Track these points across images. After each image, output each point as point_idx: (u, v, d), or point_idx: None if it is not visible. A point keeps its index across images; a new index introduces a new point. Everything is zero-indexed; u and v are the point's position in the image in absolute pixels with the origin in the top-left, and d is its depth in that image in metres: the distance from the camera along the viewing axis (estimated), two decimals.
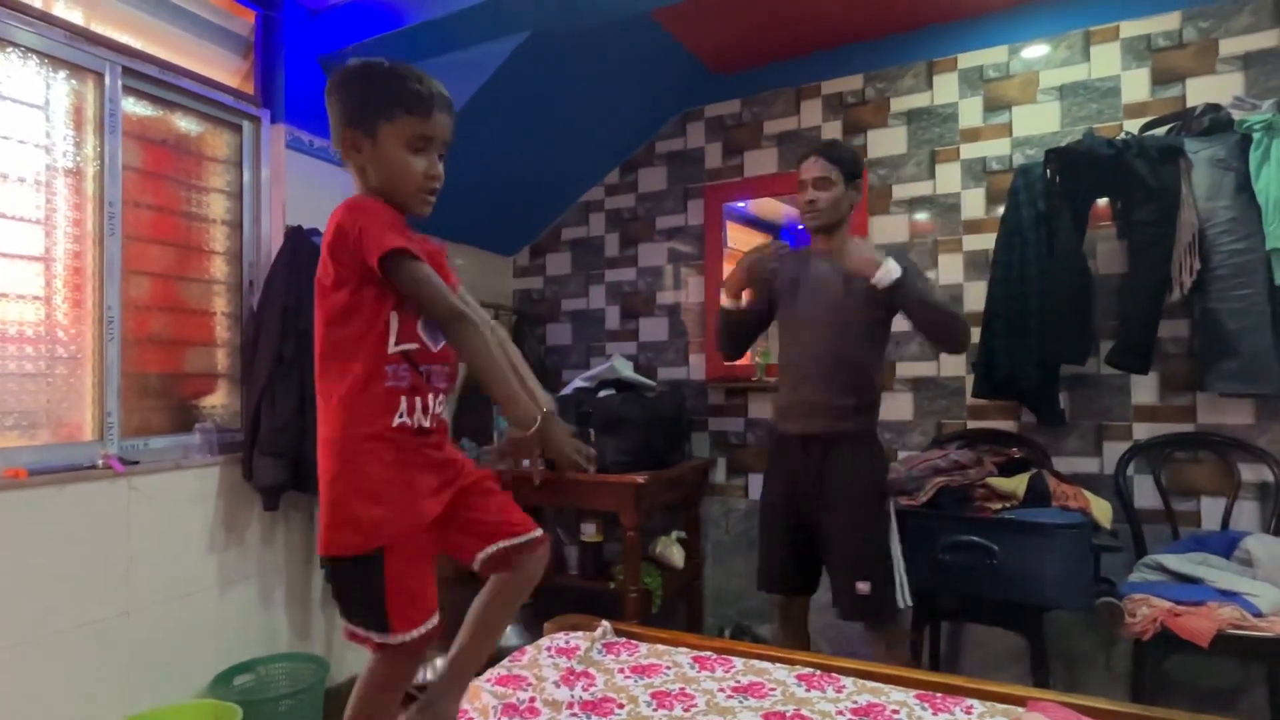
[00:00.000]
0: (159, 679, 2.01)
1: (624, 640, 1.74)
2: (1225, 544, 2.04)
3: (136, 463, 2.00)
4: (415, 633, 1.17)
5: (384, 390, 1.17)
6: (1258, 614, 1.71)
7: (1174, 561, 1.98)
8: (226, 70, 2.39)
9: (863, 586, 1.88)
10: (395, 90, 1.20)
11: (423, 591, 1.21)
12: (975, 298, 2.52)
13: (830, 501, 1.95)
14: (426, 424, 1.23)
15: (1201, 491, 2.26)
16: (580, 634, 1.74)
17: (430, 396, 1.23)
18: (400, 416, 1.18)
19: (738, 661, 1.61)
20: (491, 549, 1.27)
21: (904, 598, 1.91)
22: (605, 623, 1.78)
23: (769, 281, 2.11)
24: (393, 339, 1.17)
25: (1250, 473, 2.18)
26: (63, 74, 1.96)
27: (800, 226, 2.13)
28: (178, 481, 2.08)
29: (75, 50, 1.96)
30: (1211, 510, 2.23)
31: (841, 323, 1.98)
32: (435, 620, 1.21)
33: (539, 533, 1.32)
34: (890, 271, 1.82)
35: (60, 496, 1.80)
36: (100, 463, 1.92)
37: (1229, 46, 2.25)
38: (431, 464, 1.24)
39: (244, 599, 2.25)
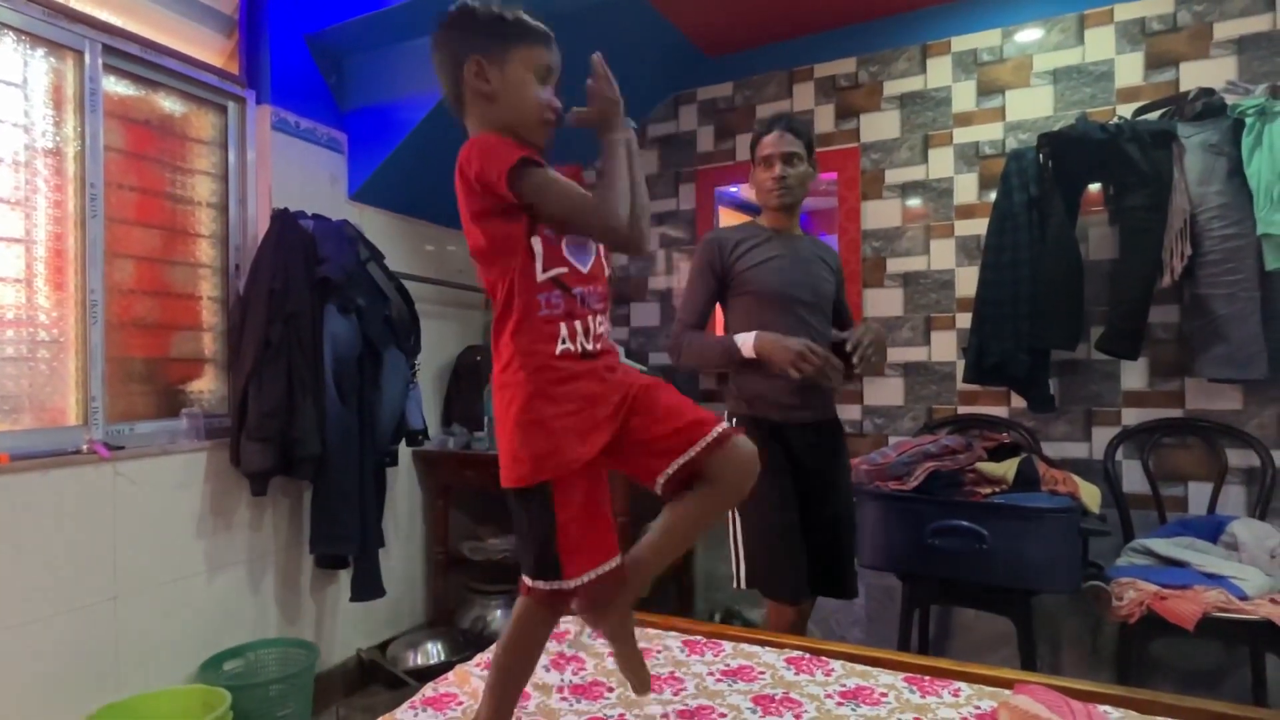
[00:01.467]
0: (147, 664, 2.00)
1: None
2: (1211, 528, 2.05)
3: (122, 448, 1.98)
4: (586, 577, 1.15)
5: (540, 320, 1.16)
6: (1243, 597, 1.73)
7: (1161, 545, 1.99)
8: (211, 49, 2.35)
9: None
10: (521, 21, 1.22)
11: (595, 535, 1.19)
12: (967, 283, 2.52)
13: (842, 488, 2.00)
14: (590, 346, 1.21)
15: (1189, 476, 2.27)
16: (570, 618, 1.74)
17: (590, 319, 1.21)
18: (563, 343, 1.17)
19: (727, 645, 1.61)
20: (672, 467, 1.20)
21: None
22: None
23: (726, 264, 1.97)
24: (539, 265, 1.16)
25: (1237, 457, 2.20)
26: (41, 51, 1.92)
27: (753, 201, 2.04)
28: (164, 467, 2.06)
29: (54, 27, 1.92)
30: (1198, 495, 2.25)
31: (826, 305, 2.00)
32: (613, 564, 1.18)
33: (721, 428, 1.20)
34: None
35: (44, 481, 1.78)
36: (85, 448, 1.90)
37: (1223, 30, 2.24)
38: (602, 388, 1.21)
39: (233, 584, 2.24)
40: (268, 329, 2.15)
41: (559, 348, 1.17)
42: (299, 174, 2.46)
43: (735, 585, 1.95)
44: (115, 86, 2.09)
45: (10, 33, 1.85)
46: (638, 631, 1.69)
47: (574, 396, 1.18)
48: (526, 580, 1.18)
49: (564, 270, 1.19)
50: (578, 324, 1.19)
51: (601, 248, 1.26)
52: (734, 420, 1.97)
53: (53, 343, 1.93)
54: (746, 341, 1.85)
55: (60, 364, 1.95)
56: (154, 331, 2.20)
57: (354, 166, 2.63)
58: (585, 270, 1.22)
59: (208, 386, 2.34)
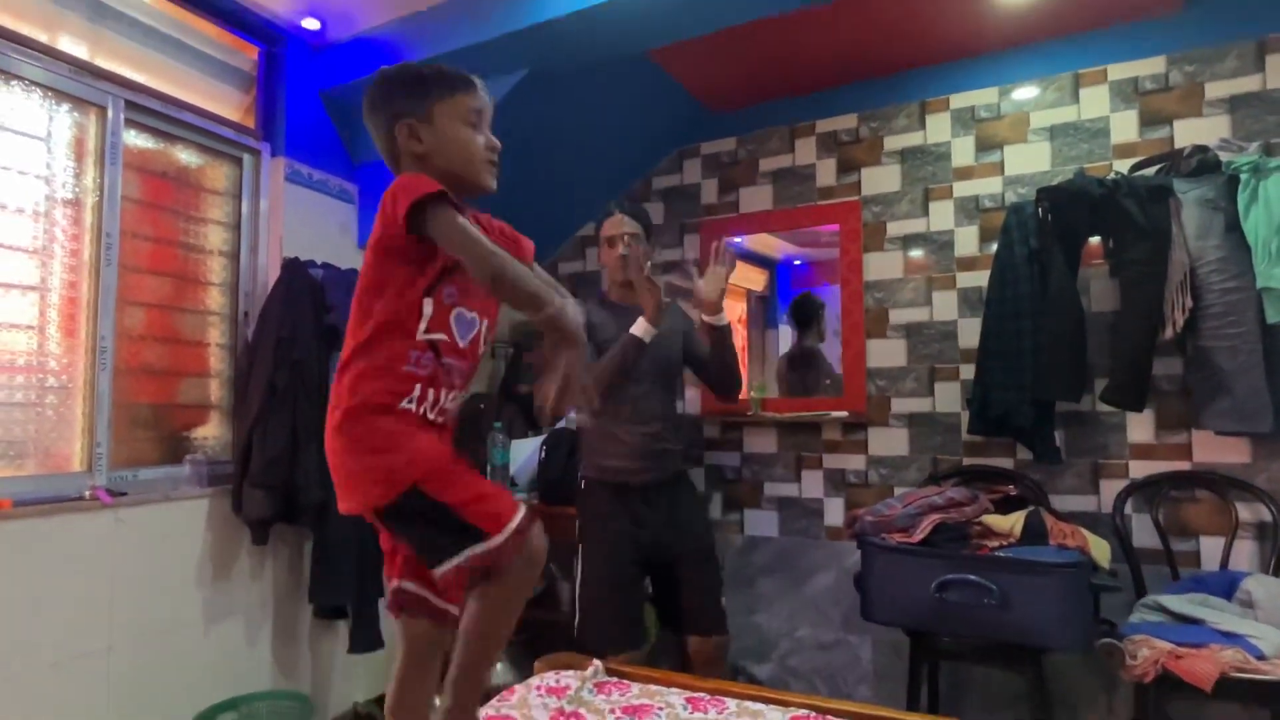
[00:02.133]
0: (141, 715, 1.96)
1: (615, 680, 1.71)
2: (1225, 584, 2.01)
3: (124, 494, 1.98)
4: (512, 524, 1.11)
5: (402, 373, 1.16)
6: (1260, 656, 1.69)
7: (1174, 602, 1.95)
8: (228, 104, 2.42)
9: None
10: (436, 75, 1.24)
11: (490, 492, 1.17)
12: (969, 334, 2.53)
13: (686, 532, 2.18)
14: (433, 417, 1.20)
15: (1200, 530, 2.24)
16: (571, 673, 1.71)
17: (445, 393, 1.21)
18: (409, 401, 1.16)
19: (731, 703, 1.57)
20: (407, 584, 1.22)
21: None
22: (597, 661, 1.75)
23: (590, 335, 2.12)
24: (423, 325, 1.17)
25: (1248, 512, 2.17)
26: (65, 107, 1.99)
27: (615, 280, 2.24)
28: (166, 514, 2.06)
29: (79, 84, 1.99)
30: (1210, 549, 2.21)
31: (673, 374, 2.24)
32: (523, 512, 1.15)
33: (510, 527, 1.14)
34: (723, 315, 2.12)
35: (46, 528, 1.78)
36: (88, 494, 1.90)
37: (1215, 90, 2.29)
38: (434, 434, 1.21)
39: (229, 635, 2.21)
40: (274, 376, 2.17)
41: (403, 404, 1.16)
42: (310, 224, 2.51)
43: (578, 645, 2.07)
44: (135, 139, 2.15)
45: (37, 89, 1.92)
46: (638, 687, 1.66)
47: (411, 425, 1.16)
48: (457, 561, 1.11)
49: (443, 337, 1.18)
50: (431, 391, 1.18)
51: (484, 329, 1.27)
52: (582, 482, 2.20)
53: (61, 389, 1.95)
54: (641, 324, 2.04)
55: (67, 410, 1.96)
56: (161, 378, 2.22)
57: (364, 217, 2.69)
58: (462, 344, 1.21)
59: (212, 433, 2.35)
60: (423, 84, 1.23)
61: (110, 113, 2.05)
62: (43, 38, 1.93)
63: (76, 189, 2.01)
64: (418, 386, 1.16)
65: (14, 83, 1.87)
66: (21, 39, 1.87)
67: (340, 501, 1.17)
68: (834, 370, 2.87)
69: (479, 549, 1.11)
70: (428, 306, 1.17)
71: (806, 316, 3.06)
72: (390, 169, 1.28)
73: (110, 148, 2.04)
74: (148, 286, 2.18)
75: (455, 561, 1.11)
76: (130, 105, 2.10)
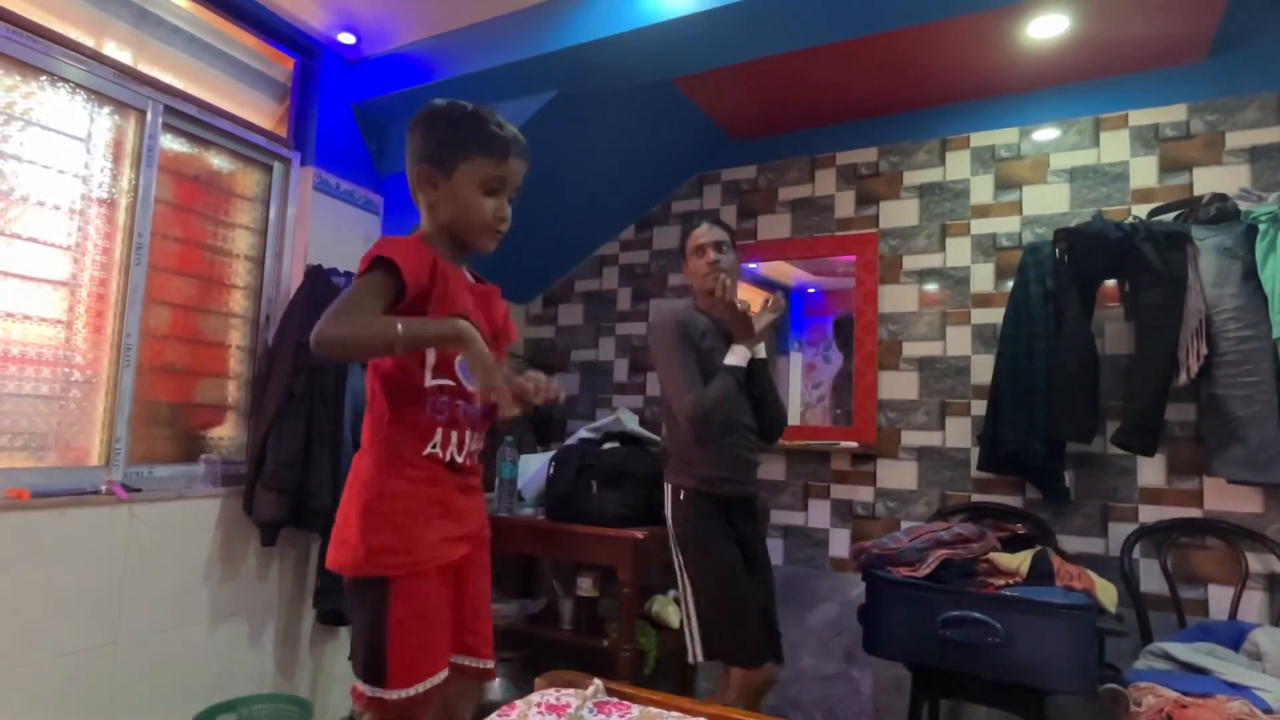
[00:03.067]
0: (142, 713, 1.97)
1: (616, 700, 1.70)
2: (1233, 635, 1.99)
3: (139, 490, 2.00)
4: (413, 690, 1.12)
5: (424, 421, 1.19)
6: (1267, 710, 1.67)
7: (1181, 650, 1.93)
8: (262, 113, 2.48)
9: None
10: (476, 132, 1.24)
11: (430, 645, 1.17)
12: (982, 371, 2.53)
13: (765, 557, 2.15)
14: (460, 459, 1.24)
15: (1209, 579, 2.22)
16: (571, 691, 1.70)
17: (468, 434, 1.25)
18: (433, 446, 1.20)
19: None
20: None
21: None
22: (598, 681, 1.74)
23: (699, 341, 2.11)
24: (428, 373, 1.20)
25: (1258, 563, 2.15)
26: (107, 109, 2.04)
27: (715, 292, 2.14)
28: (178, 511, 2.08)
29: (121, 88, 2.04)
30: (1219, 599, 2.19)
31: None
32: (439, 679, 1.17)
33: (490, 664, 1.32)
34: (761, 347, 2.08)
35: (61, 520, 1.80)
36: (104, 488, 1.92)
37: (1235, 140, 2.31)
38: (453, 506, 1.24)
39: (234, 635, 2.22)
40: (292, 381, 2.20)
41: (427, 449, 1.19)
42: (335, 233, 2.55)
43: (691, 659, 2.02)
44: (171, 144, 2.20)
45: (81, 91, 1.97)
46: (639, 709, 1.66)
47: (431, 499, 1.19)
48: (356, 682, 1.16)
49: (450, 382, 1.22)
50: (454, 434, 1.22)
51: None
52: (680, 493, 2.07)
53: (85, 383, 1.99)
54: (737, 350, 2.03)
55: (89, 404, 1.99)
56: (182, 377, 2.26)
57: (388, 228, 2.74)
58: (471, 388, 1.24)
59: (228, 433, 2.37)
60: (458, 138, 1.24)
61: (149, 116, 2.10)
62: (89, 42, 1.99)
63: (112, 189, 2.05)
64: (439, 431, 1.20)
65: (60, 85, 1.93)
66: (69, 42, 1.93)
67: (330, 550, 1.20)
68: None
69: (371, 691, 1.14)
70: (430, 355, 1.20)
71: (850, 337, 2.97)
72: (412, 197, 1.32)
73: (147, 150, 2.09)
74: (174, 287, 2.23)
75: (358, 685, 1.16)
76: (169, 110, 2.15)
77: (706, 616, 2.00)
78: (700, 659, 2.00)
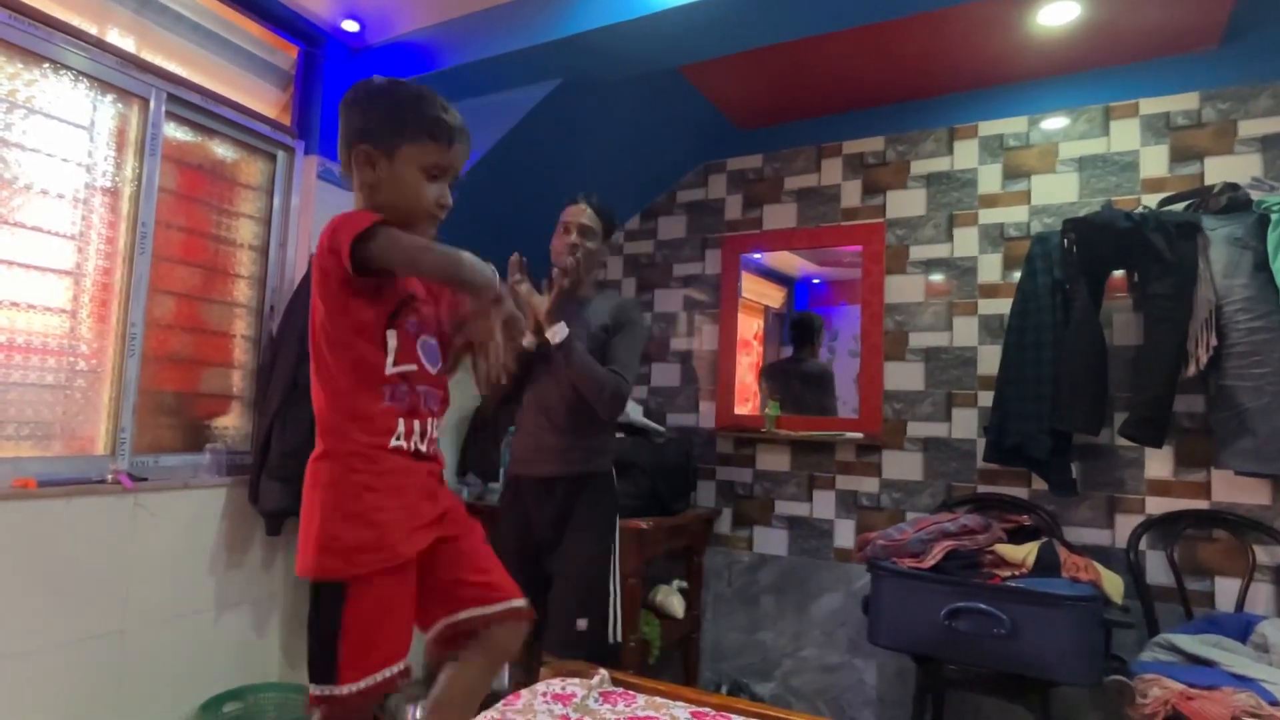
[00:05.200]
0: (149, 701, 1.98)
1: (621, 690, 1.71)
2: (1240, 627, 1.99)
3: (145, 479, 2.01)
4: (362, 684, 1.08)
5: (381, 410, 1.14)
6: (1274, 702, 1.66)
7: (1187, 642, 1.93)
8: (266, 101, 2.47)
9: (581, 623, 1.93)
10: (422, 114, 1.19)
11: (387, 638, 1.13)
12: (989, 361, 2.52)
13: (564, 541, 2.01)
14: (423, 448, 1.20)
15: (1216, 571, 2.22)
16: (577, 681, 1.71)
17: (429, 421, 1.21)
18: (397, 439, 1.16)
19: (736, 719, 1.57)
20: (461, 615, 1.21)
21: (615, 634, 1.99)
22: (603, 671, 1.75)
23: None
24: (390, 359, 1.15)
25: (1266, 555, 2.14)
26: (110, 97, 2.03)
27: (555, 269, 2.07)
28: (184, 500, 2.09)
29: (124, 75, 2.03)
30: (1226, 591, 2.19)
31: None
32: (396, 669, 1.13)
33: (521, 602, 1.25)
34: (559, 332, 1.90)
35: (68, 509, 1.81)
36: (110, 477, 1.93)
37: (1248, 128, 2.28)
38: (427, 491, 1.20)
39: (239, 624, 2.23)
40: (296, 370, 2.20)
41: (393, 442, 1.15)
42: None
43: (612, 638, 1.99)
44: (174, 132, 2.19)
45: (84, 79, 1.96)
46: (644, 698, 1.66)
47: (401, 491, 1.15)
48: (309, 683, 1.11)
49: (413, 368, 1.17)
50: (416, 423, 1.17)
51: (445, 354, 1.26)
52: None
53: (90, 372, 1.99)
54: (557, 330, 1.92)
55: (95, 393, 1.99)
56: (186, 366, 2.25)
57: None
58: (434, 371, 1.21)
59: (233, 423, 2.37)
60: (400, 119, 1.18)
61: (152, 104, 2.09)
62: (92, 30, 1.98)
63: (116, 178, 2.05)
64: (400, 422, 1.16)
65: (63, 72, 1.92)
66: (72, 30, 1.91)
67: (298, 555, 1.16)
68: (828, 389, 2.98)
69: (320, 690, 1.09)
70: (392, 339, 1.15)
71: (804, 335, 3.11)
72: (342, 176, 1.26)
73: (150, 139, 2.08)
74: (178, 276, 2.22)
75: (309, 686, 1.11)
76: (172, 98, 2.14)
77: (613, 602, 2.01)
78: (618, 639, 2.03)
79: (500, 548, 1.87)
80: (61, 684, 1.79)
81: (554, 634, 1.93)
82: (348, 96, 1.24)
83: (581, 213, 2.07)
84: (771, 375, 3.14)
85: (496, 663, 1.26)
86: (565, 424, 2.02)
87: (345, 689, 1.08)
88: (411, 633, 1.19)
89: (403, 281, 1.20)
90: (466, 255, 1.11)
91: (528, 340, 1.92)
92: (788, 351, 3.18)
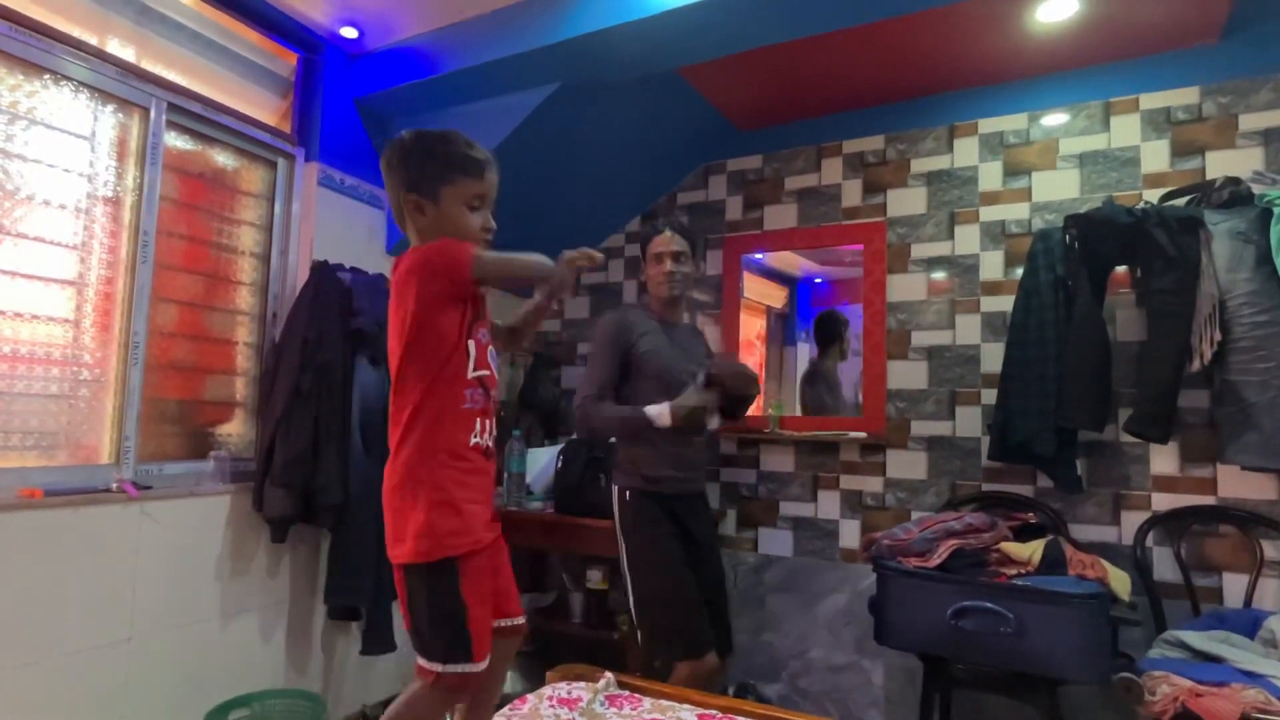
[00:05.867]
0: (155, 709, 1.98)
1: (627, 693, 1.71)
2: (1248, 623, 1.98)
3: (150, 487, 2.01)
4: (487, 661, 1.22)
5: (464, 412, 1.29)
6: None
7: (1195, 639, 1.92)
8: (266, 109, 2.47)
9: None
10: (452, 155, 1.33)
11: (489, 619, 1.29)
12: (992, 359, 2.52)
13: (718, 553, 2.23)
14: (489, 444, 1.34)
15: (1223, 567, 2.21)
16: (583, 684, 1.71)
17: (491, 421, 1.35)
18: (476, 436, 1.30)
19: None
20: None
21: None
22: (609, 674, 1.75)
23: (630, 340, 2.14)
24: (471, 364, 1.30)
25: (1274, 550, 2.13)
26: (110, 107, 2.04)
27: (673, 293, 2.22)
28: (189, 508, 2.09)
29: (125, 85, 2.04)
30: (1233, 586, 2.18)
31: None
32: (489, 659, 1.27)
33: (522, 620, 1.42)
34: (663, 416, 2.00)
35: (74, 518, 1.81)
36: (115, 486, 1.93)
37: (1249, 122, 2.28)
38: (489, 493, 1.35)
39: (245, 631, 2.23)
40: (299, 377, 2.20)
41: (472, 440, 1.29)
42: (340, 228, 2.55)
43: (645, 661, 2.09)
44: (175, 141, 2.20)
45: (85, 89, 1.97)
46: (650, 701, 1.66)
47: (478, 485, 1.30)
48: (434, 666, 1.20)
49: (486, 372, 1.33)
50: (488, 422, 1.34)
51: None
52: (626, 493, 2.12)
53: (94, 381, 1.99)
54: (662, 413, 1.99)
55: (99, 403, 2.00)
56: (189, 374, 2.26)
57: (393, 223, 2.72)
58: (497, 377, 1.38)
59: (236, 430, 2.38)
60: (434, 163, 1.33)
61: (153, 114, 2.10)
62: (92, 40, 1.98)
63: (117, 187, 2.05)
64: (478, 421, 1.30)
65: (63, 83, 1.92)
66: (72, 41, 1.92)
67: (389, 546, 1.27)
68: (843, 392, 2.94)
69: (453, 668, 1.20)
70: (472, 348, 1.30)
71: (829, 335, 3.05)
72: (396, 222, 1.41)
73: (151, 148, 2.09)
74: (180, 284, 2.23)
75: (439, 668, 1.20)
76: (172, 107, 2.15)
77: (645, 608, 2.05)
78: (653, 661, 2.07)
79: (667, 560, 2.04)
80: (69, 693, 1.80)
81: (726, 640, 2.13)
82: (385, 160, 1.38)
83: (671, 240, 2.16)
84: (811, 382, 3.08)
85: (500, 670, 1.42)
86: (697, 443, 2.18)
87: (481, 664, 1.21)
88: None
89: (479, 300, 1.37)
90: (536, 256, 1.34)
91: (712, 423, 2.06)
92: (813, 353, 3.11)
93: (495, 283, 1.33)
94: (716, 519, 2.27)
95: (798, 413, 2.98)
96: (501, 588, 1.38)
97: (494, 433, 1.36)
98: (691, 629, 1.99)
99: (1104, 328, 2.20)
